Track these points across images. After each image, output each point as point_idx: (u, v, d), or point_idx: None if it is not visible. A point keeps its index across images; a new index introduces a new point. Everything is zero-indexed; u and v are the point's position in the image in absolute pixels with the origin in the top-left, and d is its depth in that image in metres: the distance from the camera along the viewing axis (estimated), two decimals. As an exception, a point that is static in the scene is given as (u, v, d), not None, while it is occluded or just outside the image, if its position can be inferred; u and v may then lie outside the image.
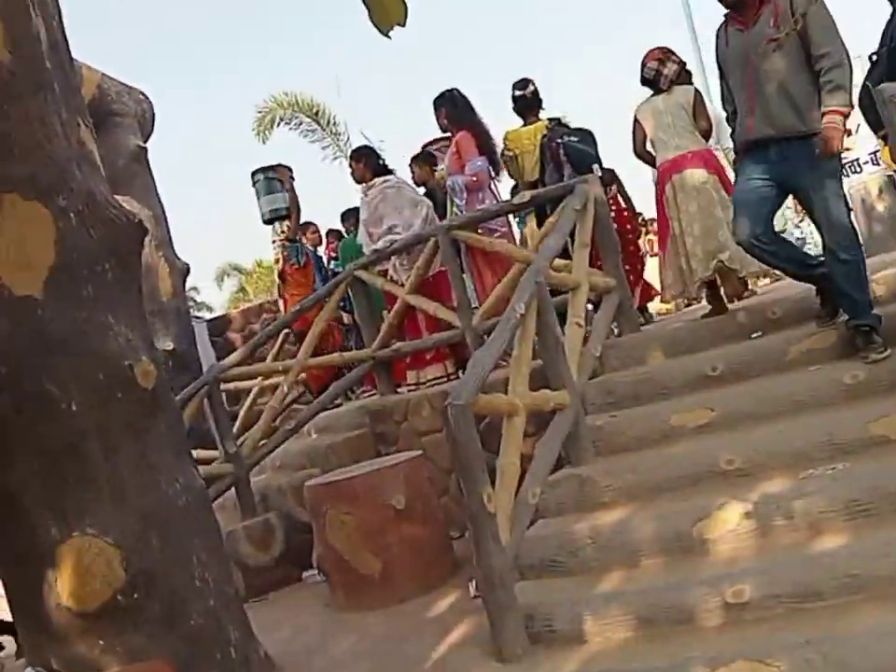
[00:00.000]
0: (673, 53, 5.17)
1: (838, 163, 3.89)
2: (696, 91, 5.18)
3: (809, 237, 8.41)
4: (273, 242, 7.98)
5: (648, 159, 5.22)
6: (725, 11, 4.03)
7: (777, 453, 3.46)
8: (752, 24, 3.89)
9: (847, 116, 3.68)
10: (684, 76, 5.28)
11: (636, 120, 5.19)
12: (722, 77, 4.15)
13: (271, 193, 7.80)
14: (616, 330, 5.17)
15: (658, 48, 5.19)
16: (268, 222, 7.95)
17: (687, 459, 3.62)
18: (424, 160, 6.74)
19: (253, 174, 7.90)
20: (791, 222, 8.75)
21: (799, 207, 8.51)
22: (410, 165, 6.87)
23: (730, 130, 4.22)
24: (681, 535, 3.27)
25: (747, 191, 3.94)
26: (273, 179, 7.75)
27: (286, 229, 7.83)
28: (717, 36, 4.11)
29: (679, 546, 3.27)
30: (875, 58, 4.77)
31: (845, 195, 3.89)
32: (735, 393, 3.93)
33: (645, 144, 5.17)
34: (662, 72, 5.09)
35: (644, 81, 5.17)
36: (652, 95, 5.16)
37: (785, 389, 3.79)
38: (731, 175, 4.87)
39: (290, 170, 7.84)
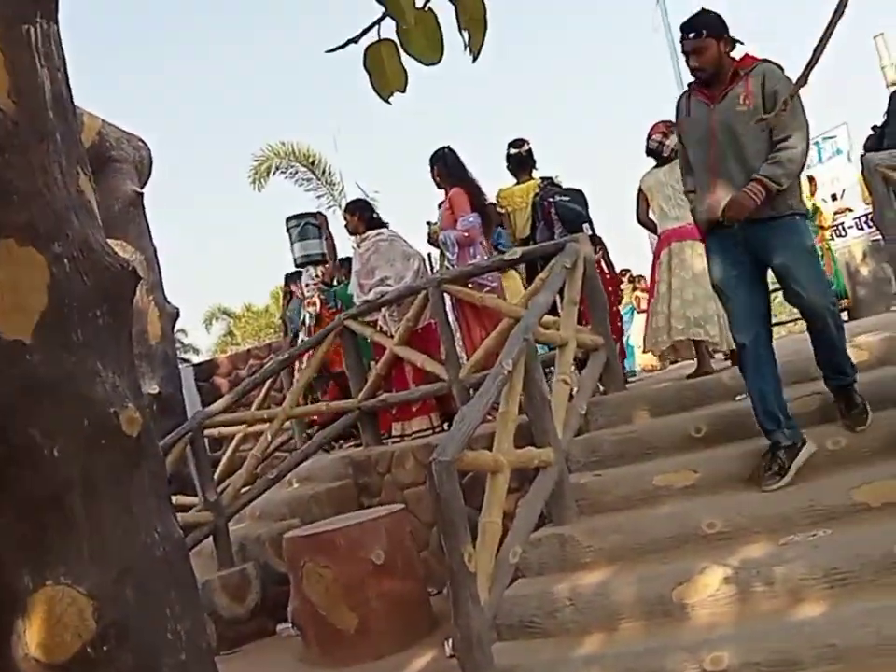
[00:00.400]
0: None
1: (811, 242, 3.80)
2: None
3: None
4: (307, 285, 8.21)
5: (650, 226, 5.60)
6: (690, 80, 3.88)
7: (759, 517, 3.47)
8: (720, 100, 3.71)
9: (769, 192, 3.55)
10: None
11: (640, 190, 5.53)
12: (680, 152, 4.06)
13: (304, 239, 8.18)
14: (602, 388, 5.20)
15: (662, 121, 5.47)
16: (299, 266, 8.32)
17: (670, 521, 3.63)
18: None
19: (288, 220, 8.28)
20: None
21: None
22: (343, 213, 7.02)
23: (687, 192, 4.07)
24: (662, 598, 3.26)
25: (734, 292, 3.70)
26: (309, 225, 8.11)
27: (320, 273, 8.08)
28: (678, 105, 3.94)
29: (660, 610, 3.26)
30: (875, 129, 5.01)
31: (824, 273, 3.79)
32: (719, 455, 3.96)
33: (648, 212, 5.54)
34: (665, 143, 5.39)
35: (649, 152, 5.50)
36: (656, 166, 5.49)
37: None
38: None
39: (325, 218, 8.24)
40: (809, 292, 3.57)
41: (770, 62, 3.68)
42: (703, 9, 3.79)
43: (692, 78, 3.85)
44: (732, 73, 3.70)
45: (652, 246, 5.76)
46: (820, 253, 8.51)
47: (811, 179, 9.61)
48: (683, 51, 3.73)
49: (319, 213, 8.14)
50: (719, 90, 3.74)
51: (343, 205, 7.47)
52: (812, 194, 9.03)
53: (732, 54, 3.75)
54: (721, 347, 5.32)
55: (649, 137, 5.48)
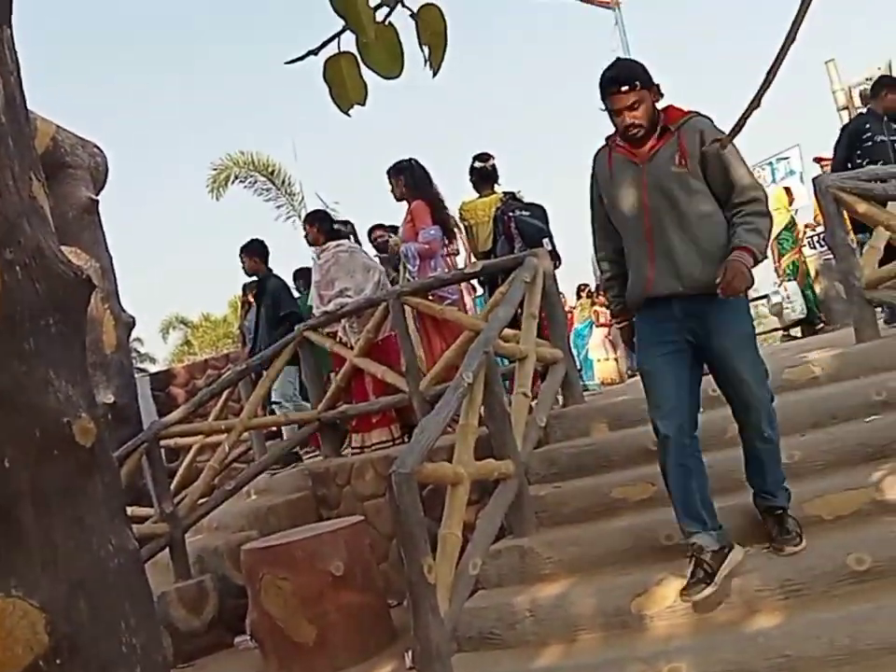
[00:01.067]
0: None
1: (752, 325, 3.40)
2: None
3: (786, 301, 8.60)
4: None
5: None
6: (609, 135, 3.35)
7: (715, 529, 3.49)
8: (649, 158, 3.21)
9: (756, 262, 3.08)
10: None
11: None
12: (595, 215, 3.48)
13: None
14: (561, 401, 5.22)
15: None
16: None
17: (628, 533, 3.65)
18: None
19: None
20: (772, 285, 8.97)
21: (780, 272, 8.78)
22: (240, 255, 7.07)
23: (602, 274, 3.64)
24: (620, 610, 3.27)
25: (662, 374, 3.24)
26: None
27: None
28: (596, 163, 3.40)
29: (618, 621, 3.27)
30: None
31: (763, 361, 3.32)
32: (676, 468, 3.98)
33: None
34: None
35: None
36: None
37: (724, 467, 3.83)
38: None
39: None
40: (750, 381, 3.19)
41: (700, 114, 3.24)
42: (619, 59, 3.41)
43: (608, 132, 3.34)
44: (661, 128, 3.21)
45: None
46: (795, 267, 8.68)
47: (787, 190, 9.78)
48: (611, 109, 3.16)
49: (348, 222, 7.91)
50: (647, 147, 3.22)
51: (303, 216, 7.38)
52: (790, 204, 9.16)
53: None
54: None
55: None
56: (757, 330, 4.42)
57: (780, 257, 8.91)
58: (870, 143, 6.01)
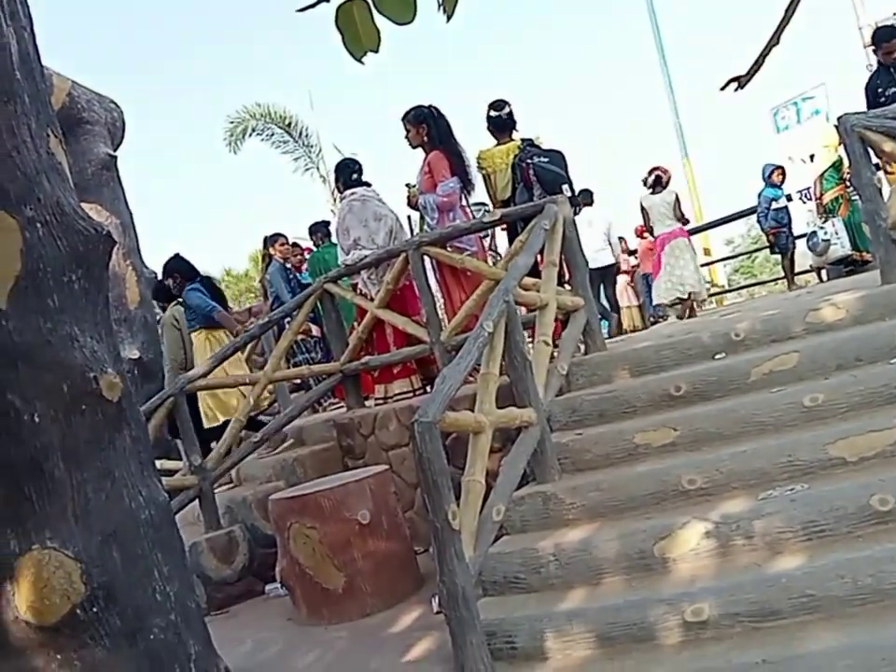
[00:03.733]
0: (666, 170, 8.87)
1: None
2: (676, 194, 8.89)
3: (835, 237, 8.48)
4: None
5: (650, 228, 9.08)
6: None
7: (737, 473, 3.51)
8: None
9: None
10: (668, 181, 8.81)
11: (642, 207, 8.89)
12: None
13: None
14: (583, 348, 5.21)
15: (657, 166, 8.85)
16: None
17: (650, 478, 3.66)
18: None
19: None
20: (815, 224, 8.83)
21: (821, 209, 8.67)
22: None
23: None
24: (643, 553, 3.31)
25: None
26: None
27: None
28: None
29: (641, 564, 3.30)
30: None
31: None
32: (699, 413, 3.98)
33: (648, 219, 8.91)
34: (663, 179, 8.76)
35: (649, 184, 8.83)
36: (652, 193, 8.80)
37: (747, 410, 3.84)
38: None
39: None
40: None
41: None
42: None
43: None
44: None
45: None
46: (838, 203, 8.56)
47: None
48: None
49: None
50: None
51: (321, 168, 7.37)
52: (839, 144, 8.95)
53: None
54: (702, 297, 9.07)
55: (651, 173, 8.80)
56: (753, 280, 4.52)
57: (823, 193, 8.72)
58: (883, 98, 6.10)
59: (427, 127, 5.97)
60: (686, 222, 9.14)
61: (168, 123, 53.88)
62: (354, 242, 6.27)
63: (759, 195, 9.48)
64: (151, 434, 5.54)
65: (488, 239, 7.78)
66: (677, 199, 8.89)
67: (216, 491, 6.05)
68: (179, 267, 6.97)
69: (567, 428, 4.37)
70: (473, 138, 6.40)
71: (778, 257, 10.06)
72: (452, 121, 6.02)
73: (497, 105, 6.17)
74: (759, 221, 9.69)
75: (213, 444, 6.25)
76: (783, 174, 9.46)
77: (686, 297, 8.73)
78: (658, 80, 15.60)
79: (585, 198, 9.18)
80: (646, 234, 11.26)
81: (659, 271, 8.93)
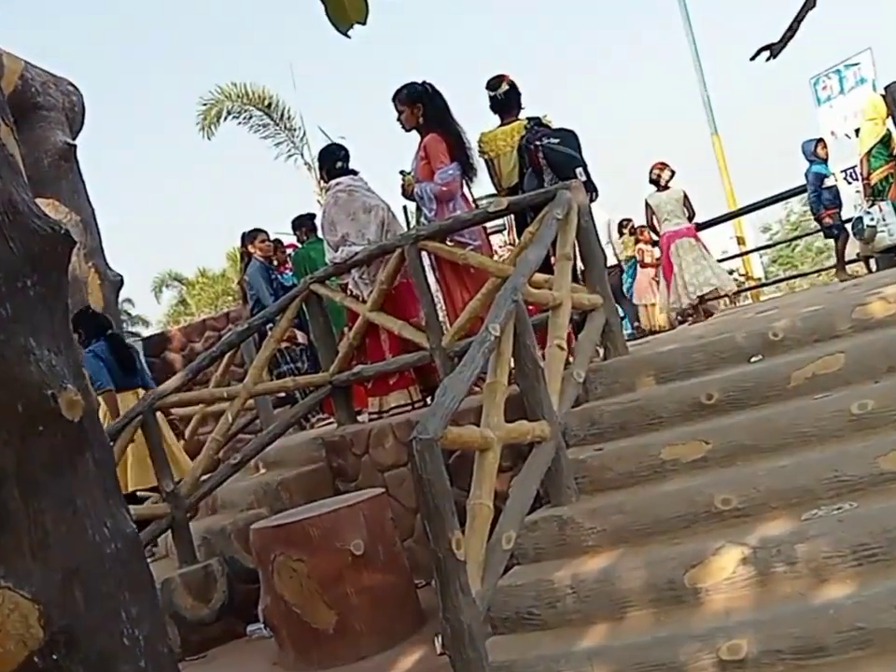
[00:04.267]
0: (668, 165, 9.63)
1: None
2: (684, 191, 9.69)
3: (881, 224, 8.45)
4: None
5: (654, 228, 10.00)
6: None
7: (777, 491, 3.51)
8: None
9: None
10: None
11: (647, 204, 9.76)
12: None
13: None
14: (601, 353, 5.22)
15: (660, 161, 9.65)
16: None
17: (679, 498, 3.67)
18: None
19: None
20: (862, 207, 8.82)
21: (868, 190, 8.67)
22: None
23: None
24: (672, 583, 3.31)
25: None
26: None
27: None
28: None
29: (670, 596, 3.31)
30: None
31: None
32: (733, 424, 3.99)
33: (653, 219, 9.82)
34: (662, 177, 9.59)
35: (651, 181, 9.68)
36: (657, 191, 9.66)
37: (787, 420, 3.84)
38: None
39: None
40: None
41: None
42: None
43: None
44: None
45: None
46: (888, 184, 8.54)
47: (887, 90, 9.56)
48: None
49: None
50: None
51: (304, 154, 7.39)
52: (888, 116, 8.90)
53: None
54: (726, 289, 10.10)
55: (651, 171, 9.63)
56: (795, 271, 4.51)
57: (871, 173, 8.68)
58: None
59: (422, 107, 5.97)
60: (692, 219, 9.89)
61: (132, 108, 53.99)
62: (342, 238, 6.27)
63: (807, 174, 9.44)
64: (118, 456, 5.56)
65: (505, 233, 7.82)
66: (685, 196, 9.69)
67: (190, 520, 6.06)
68: (83, 322, 6.87)
69: (586, 443, 4.37)
70: (478, 122, 6.38)
71: (824, 243, 10.15)
72: (452, 101, 6.04)
73: (492, 83, 6.18)
74: (810, 203, 9.66)
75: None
76: (826, 147, 9.45)
77: (697, 301, 9.58)
78: (684, 52, 15.59)
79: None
80: (646, 232, 11.54)
81: (671, 270, 9.76)
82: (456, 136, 5.94)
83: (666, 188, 9.63)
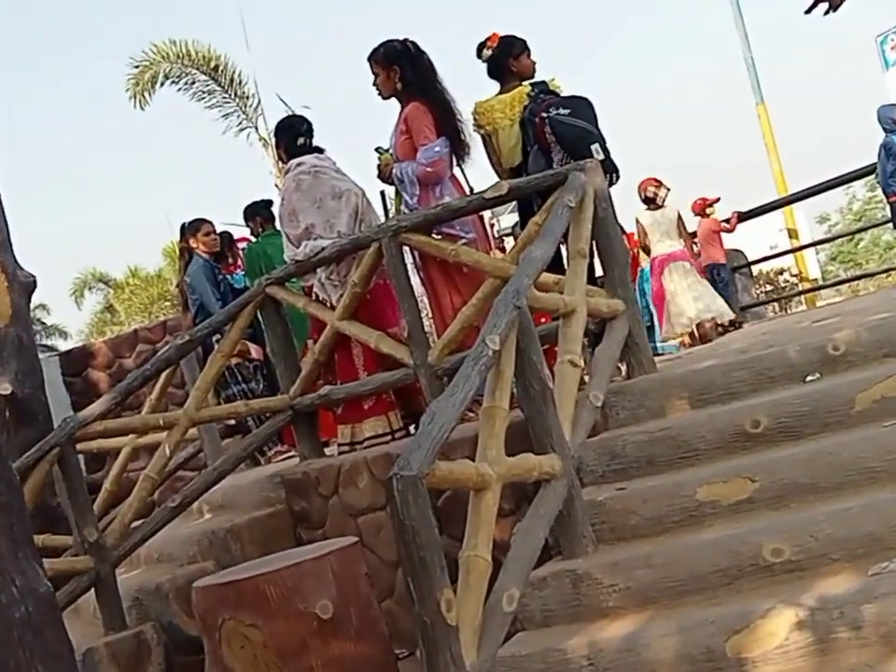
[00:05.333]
0: (663, 183, 10.63)
1: None
2: (678, 211, 10.83)
3: None
4: None
5: (647, 249, 10.93)
6: None
7: (840, 539, 3.52)
8: None
9: None
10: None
11: (638, 221, 10.78)
12: None
13: None
14: (624, 370, 5.22)
15: (654, 178, 10.66)
16: None
17: (720, 548, 3.67)
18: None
19: None
20: None
21: None
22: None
23: None
24: (711, 653, 3.30)
25: None
26: None
27: None
28: None
29: (709, 668, 3.30)
30: None
31: None
32: (784, 457, 3.99)
33: (645, 237, 10.82)
34: (658, 195, 10.57)
35: (645, 200, 10.68)
36: (648, 209, 10.66)
37: (851, 453, 3.85)
38: None
39: None
40: None
41: None
42: None
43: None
44: None
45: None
46: None
47: None
48: None
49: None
50: None
51: (259, 127, 7.38)
52: None
53: None
54: (724, 319, 10.54)
55: (644, 189, 10.60)
56: (859, 272, 4.56)
57: None
58: None
59: (401, 69, 5.98)
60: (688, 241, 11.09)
61: (45, 77, 53.95)
62: (306, 230, 6.25)
63: (882, 147, 9.46)
64: (29, 499, 5.53)
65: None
66: (679, 217, 10.75)
67: (119, 576, 6.03)
68: None
69: (605, 481, 4.37)
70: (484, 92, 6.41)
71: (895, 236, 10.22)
72: (447, 68, 6.06)
73: (478, 48, 6.27)
74: (882, 183, 9.67)
75: None
76: None
77: (690, 329, 10.47)
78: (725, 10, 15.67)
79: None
80: (707, 211, 11.73)
81: (663, 298, 10.67)
82: (443, 105, 5.94)
83: (661, 206, 10.66)
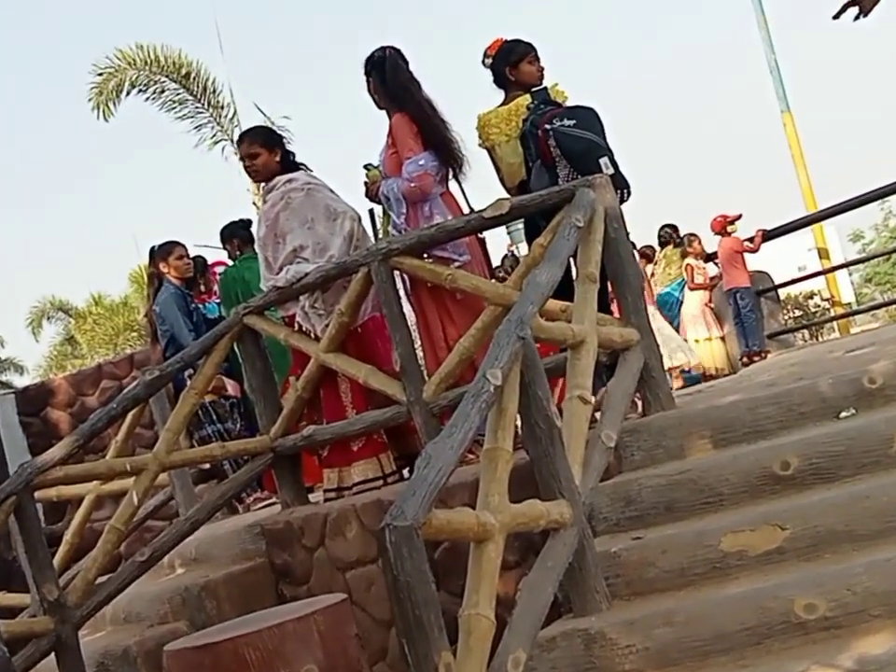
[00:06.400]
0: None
1: None
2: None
3: None
4: None
5: None
6: None
7: (879, 593, 3.51)
8: None
9: None
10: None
11: None
12: None
13: None
14: (640, 407, 5.23)
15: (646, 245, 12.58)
16: None
17: (747, 604, 3.66)
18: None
19: None
20: None
21: None
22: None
23: None
24: (740, 721, 3.29)
25: None
26: None
27: None
28: None
29: (738, 738, 3.29)
30: None
31: None
32: (818, 502, 4.00)
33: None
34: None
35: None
36: None
37: (891, 497, 3.85)
38: None
39: None
40: None
41: None
42: None
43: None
44: None
45: None
46: None
47: None
48: None
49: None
50: None
51: (236, 138, 7.35)
52: None
53: None
54: (692, 364, 11.93)
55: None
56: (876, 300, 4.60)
57: None
58: None
59: (374, 79, 6.04)
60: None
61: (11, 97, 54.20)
62: (293, 252, 6.23)
63: None
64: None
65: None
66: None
67: (82, 639, 6.00)
68: None
69: (619, 530, 4.36)
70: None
71: None
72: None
73: (484, 52, 6.31)
74: None
75: None
76: None
77: None
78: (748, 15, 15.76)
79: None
80: (729, 229, 11.80)
81: None
82: (423, 116, 5.94)
83: None
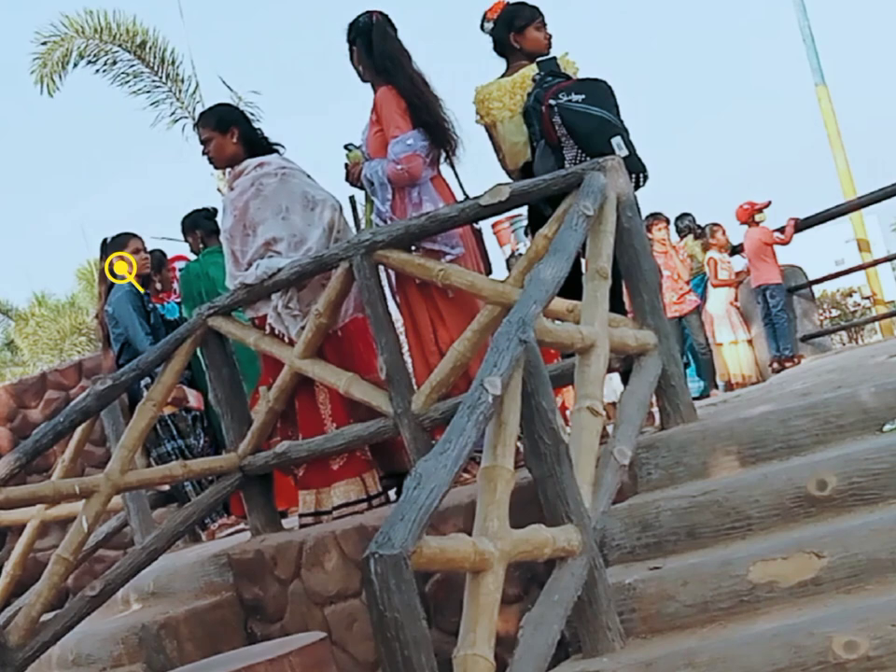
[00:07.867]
0: None
1: None
2: None
3: None
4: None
5: None
6: None
7: (929, 629, 3.52)
8: None
9: None
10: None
11: None
12: None
13: None
14: (658, 419, 5.23)
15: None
16: None
17: (779, 642, 3.66)
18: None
19: None
20: None
21: None
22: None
23: None
24: None
25: None
26: None
27: None
28: None
29: None
30: None
31: None
32: (858, 527, 4.00)
33: None
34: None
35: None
36: None
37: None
38: None
39: None
40: None
41: None
42: None
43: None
44: None
45: None
46: None
47: None
48: None
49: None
50: None
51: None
52: None
53: None
54: None
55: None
56: None
57: None
58: None
59: (359, 48, 6.05)
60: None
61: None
62: (265, 245, 6.20)
63: None
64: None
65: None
66: None
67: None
68: None
69: (635, 558, 4.37)
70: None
71: None
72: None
73: (483, 17, 6.31)
74: None
75: None
76: None
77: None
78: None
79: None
80: (756, 219, 11.68)
81: None
82: (414, 90, 5.94)
83: None
